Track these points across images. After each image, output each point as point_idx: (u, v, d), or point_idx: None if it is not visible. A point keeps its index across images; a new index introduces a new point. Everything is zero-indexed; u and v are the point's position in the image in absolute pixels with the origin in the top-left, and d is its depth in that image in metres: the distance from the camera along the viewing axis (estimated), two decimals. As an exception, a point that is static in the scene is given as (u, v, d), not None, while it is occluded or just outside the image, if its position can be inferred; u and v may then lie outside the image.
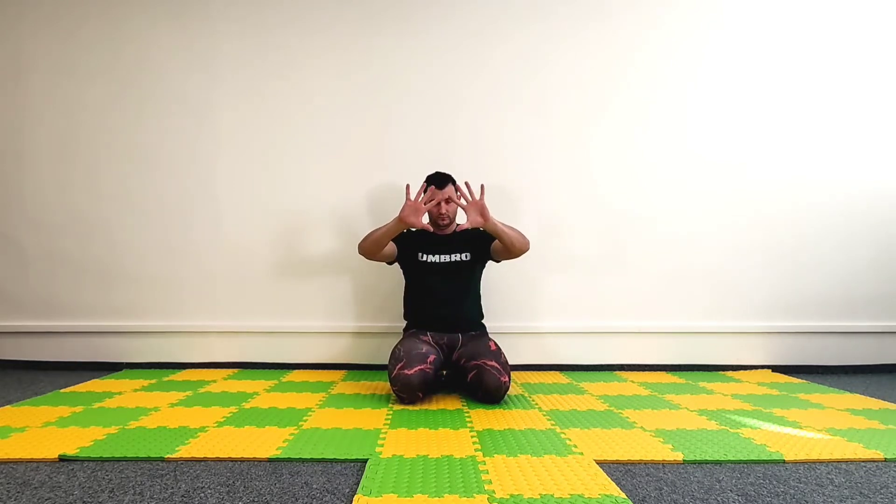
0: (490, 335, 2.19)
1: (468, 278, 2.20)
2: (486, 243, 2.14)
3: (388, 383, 2.00)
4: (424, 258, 2.15)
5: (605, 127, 2.60)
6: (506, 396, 1.98)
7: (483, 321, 2.25)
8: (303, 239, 2.59)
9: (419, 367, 1.89)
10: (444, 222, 2.15)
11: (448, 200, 2.10)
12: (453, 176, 2.18)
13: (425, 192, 2.05)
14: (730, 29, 2.61)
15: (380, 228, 2.07)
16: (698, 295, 2.61)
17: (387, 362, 2.54)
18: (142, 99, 2.59)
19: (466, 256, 2.16)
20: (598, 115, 2.59)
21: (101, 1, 2.58)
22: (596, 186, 2.59)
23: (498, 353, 1.98)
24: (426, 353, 1.97)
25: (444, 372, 2.17)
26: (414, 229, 2.15)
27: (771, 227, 2.61)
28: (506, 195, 2.56)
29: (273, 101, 2.59)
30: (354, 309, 2.57)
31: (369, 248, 2.09)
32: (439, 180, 2.11)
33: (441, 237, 2.18)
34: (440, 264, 2.14)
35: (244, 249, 2.59)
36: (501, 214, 2.53)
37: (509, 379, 1.92)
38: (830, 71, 2.62)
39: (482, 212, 1.97)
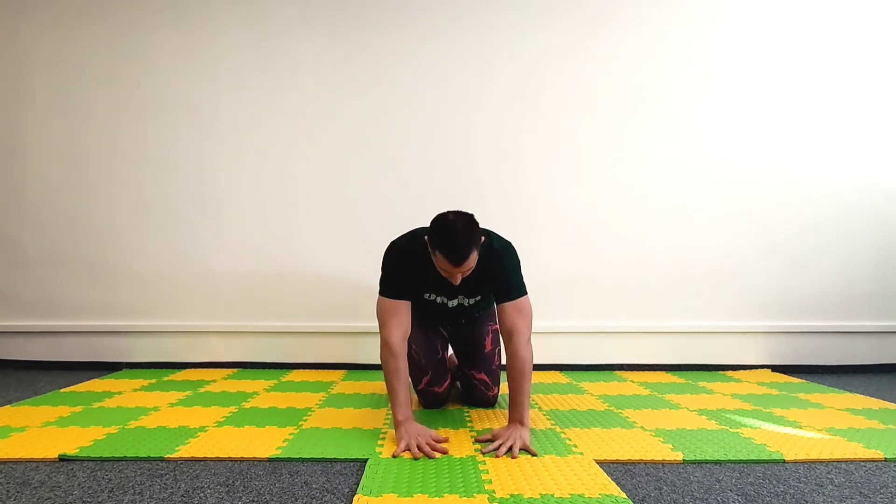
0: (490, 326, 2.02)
1: (477, 310, 1.89)
2: (493, 280, 1.67)
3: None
4: (431, 298, 1.78)
5: (603, 129, 2.60)
6: (499, 399, 1.96)
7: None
8: (303, 239, 2.59)
9: (448, 383, 1.86)
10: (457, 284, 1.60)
11: (466, 272, 1.53)
12: (474, 217, 1.53)
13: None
14: (731, 28, 2.60)
15: (390, 387, 1.55)
16: (698, 295, 2.60)
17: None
18: (143, 101, 2.58)
19: (477, 300, 1.79)
20: (597, 117, 2.59)
21: (104, 6, 2.58)
22: (597, 189, 2.60)
23: (491, 357, 1.89)
24: (443, 357, 1.87)
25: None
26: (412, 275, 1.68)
27: (771, 226, 2.61)
28: (512, 198, 2.56)
29: (273, 103, 2.58)
30: (354, 309, 2.57)
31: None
32: (457, 256, 1.45)
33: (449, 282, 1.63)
34: (447, 308, 1.80)
35: (244, 249, 2.58)
36: (511, 216, 2.52)
37: (499, 390, 1.90)
38: (830, 67, 2.61)
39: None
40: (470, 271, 1.53)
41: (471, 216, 1.53)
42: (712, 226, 2.60)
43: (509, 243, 1.69)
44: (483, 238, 1.55)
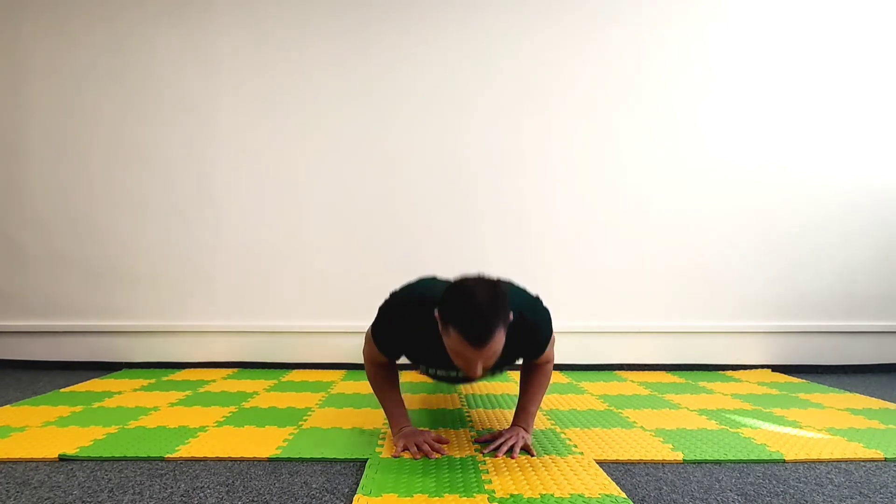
0: None
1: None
2: (520, 354, 1.47)
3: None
4: (434, 372, 1.53)
5: (603, 130, 2.60)
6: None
7: None
8: (303, 239, 2.59)
9: None
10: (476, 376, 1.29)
11: (488, 358, 1.19)
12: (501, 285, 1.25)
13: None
14: (731, 28, 2.60)
15: (383, 400, 1.51)
16: (698, 294, 2.60)
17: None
18: (144, 101, 2.58)
19: (490, 373, 1.50)
20: (596, 118, 2.60)
21: (106, 7, 2.58)
22: (596, 189, 2.59)
23: None
24: None
25: None
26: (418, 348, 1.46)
27: (770, 226, 2.61)
28: (512, 198, 2.56)
29: (273, 104, 2.58)
30: (354, 309, 2.56)
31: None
32: (479, 334, 1.14)
33: None
34: (452, 377, 1.54)
35: (244, 249, 2.58)
36: (512, 216, 2.52)
37: None
38: (830, 66, 2.62)
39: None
40: (494, 359, 1.19)
41: (495, 283, 1.21)
42: (712, 225, 2.60)
43: (544, 311, 1.43)
44: (510, 312, 1.21)
